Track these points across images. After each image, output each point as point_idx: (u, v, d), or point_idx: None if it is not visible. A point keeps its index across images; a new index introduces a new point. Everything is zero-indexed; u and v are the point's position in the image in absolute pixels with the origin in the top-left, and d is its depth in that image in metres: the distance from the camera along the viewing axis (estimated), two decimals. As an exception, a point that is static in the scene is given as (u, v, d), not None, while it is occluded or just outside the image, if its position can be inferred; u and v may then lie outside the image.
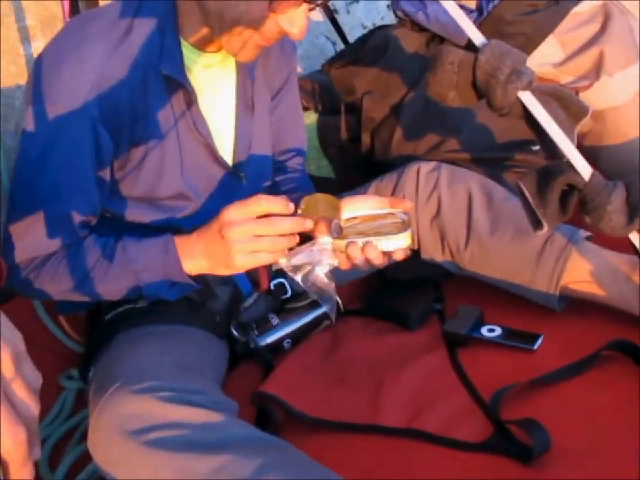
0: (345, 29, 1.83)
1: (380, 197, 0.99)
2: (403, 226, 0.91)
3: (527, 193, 0.91)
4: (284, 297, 1.19)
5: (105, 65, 0.94)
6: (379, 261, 0.91)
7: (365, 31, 2.23)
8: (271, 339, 1.13)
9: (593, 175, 0.90)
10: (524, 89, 0.85)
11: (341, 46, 1.93)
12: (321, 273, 0.87)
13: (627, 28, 1.45)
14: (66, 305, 1.10)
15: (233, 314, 1.14)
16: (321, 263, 0.87)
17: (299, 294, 1.19)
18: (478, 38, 0.84)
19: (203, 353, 1.04)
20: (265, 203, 0.86)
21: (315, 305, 1.18)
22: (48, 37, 1.45)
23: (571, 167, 0.91)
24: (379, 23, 2.29)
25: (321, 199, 0.91)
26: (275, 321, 1.14)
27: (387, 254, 0.91)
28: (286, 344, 1.15)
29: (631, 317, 1.07)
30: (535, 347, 1.09)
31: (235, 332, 1.13)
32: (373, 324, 1.25)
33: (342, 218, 0.93)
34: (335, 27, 1.79)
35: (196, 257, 0.95)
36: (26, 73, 1.44)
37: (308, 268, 0.87)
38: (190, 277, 0.97)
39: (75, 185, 0.98)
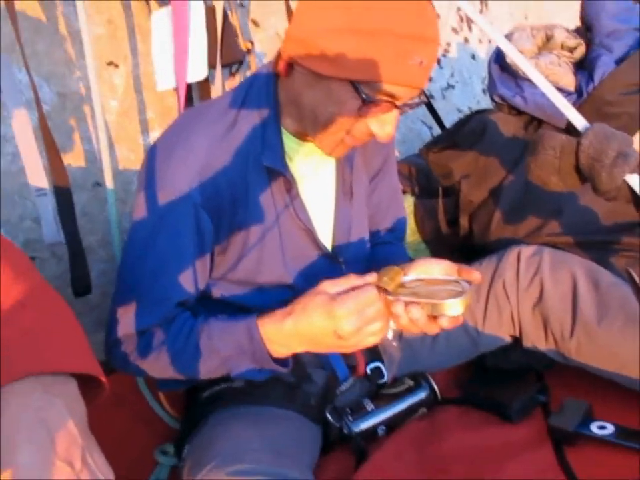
0: (441, 114, 1.86)
1: (450, 263, 0.97)
2: (457, 294, 0.89)
3: (637, 280, 0.86)
4: (380, 381, 1.16)
5: (210, 154, 0.99)
6: (423, 323, 0.89)
7: (461, 115, 2.28)
8: (365, 425, 1.11)
9: None
10: (631, 172, 0.82)
11: (437, 130, 1.96)
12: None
13: None
14: (166, 382, 1.12)
15: (328, 398, 1.13)
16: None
17: (395, 379, 1.17)
18: (580, 121, 0.83)
19: (298, 437, 1.03)
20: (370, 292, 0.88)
21: (411, 391, 1.15)
22: (164, 128, 1.56)
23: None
24: (474, 107, 2.31)
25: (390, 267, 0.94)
26: (369, 406, 1.12)
27: (433, 319, 0.89)
28: (380, 431, 1.12)
29: None
30: (654, 448, 1.00)
31: (329, 417, 1.11)
32: (471, 414, 1.19)
33: (403, 279, 0.93)
34: (431, 112, 1.83)
35: (292, 343, 0.95)
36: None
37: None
38: (281, 359, 0.97)
39: (176, 268, 1.01)
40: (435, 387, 1.17)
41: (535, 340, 1.19)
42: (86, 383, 0.69)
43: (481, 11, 2.30)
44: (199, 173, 0.98)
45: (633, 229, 1.32)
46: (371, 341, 0.90)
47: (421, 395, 1.16)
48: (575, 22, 1.57)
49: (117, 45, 1.47)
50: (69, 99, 1.43)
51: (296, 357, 1.04)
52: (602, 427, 1.06)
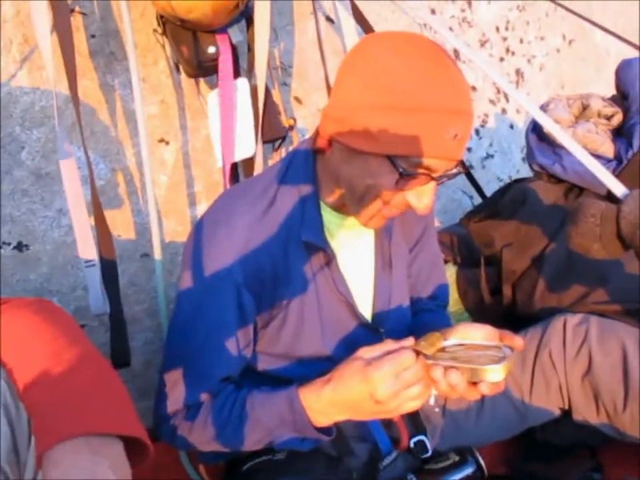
0: (481, 183, 1.88)
1: (492, 328, 0.97)
2: (498, 360, 0.87)
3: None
4: (424, 456, 1.14)
5: (251, 233, 1.01)
6: (463, 389, 0.88)
7: (501, 184, 2.29)
8: (409, 501, 1.07)
9: None
10: (675, 238, 0.81)
11: (477, 199, 1.97)
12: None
13: None
14: (207, 455, 1.12)
15: (370, 472, 1.10)
16: None
17: (439, 454, 1.14)
18: (618, 188, 0.84)
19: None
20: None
21: (457, 466, 1.12)
22: (210, 201, 1.61)
23: None
24: (514, 175, 2.33)
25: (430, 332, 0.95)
26: (414, 482, 1.09)
27: (473, 385, 0.88)
28: (425, 507, 1.08)
29: None
30: None
31: (372, 492, 1.09)
32: (521, 491, 1.14)
33: (443, 344, 0.94)
34: (472, 182, 1.84)
35: (332, 411, 0.95)
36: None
37: None
38: (323, 428, 0.97)
39: (220, 345, 1.03)
40: (482, 462, 1.13)
41: (586, 413, 1.15)
42: (132, 446, 0.71)
43: (517, 83, 2.35)
44: (241, 251, 1.00)
45: (683, 296, 1.28)
46: (411, 406, 0.90)
47: (468, 470, 1.11)
48: (611, 88, 1.59)
49: (168, 123, 1.55)
50: (122, 174, 1.51)
51: (338, 430, 1.04)
52: (662, 508, 1.00)
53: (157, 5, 1.29)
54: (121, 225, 1.43)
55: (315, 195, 1.05)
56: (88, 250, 1.23)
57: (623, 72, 1.47)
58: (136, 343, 1.54)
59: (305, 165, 1.06)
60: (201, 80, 1.56)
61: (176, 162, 1.57)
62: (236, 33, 1.38)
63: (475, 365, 0.87)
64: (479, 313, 1.55)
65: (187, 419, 1.03)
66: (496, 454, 1.22)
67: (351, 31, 1.56)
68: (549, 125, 0.97)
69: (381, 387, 0.87)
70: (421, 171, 0.93)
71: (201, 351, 1.03)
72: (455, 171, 0.98)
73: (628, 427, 1.10)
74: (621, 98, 1.49)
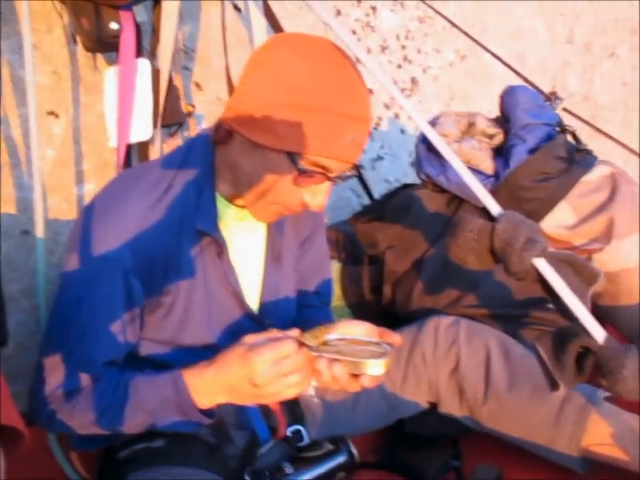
0: (370, 184, 1.96)
1: (372, 325, 1.02)
2: (379, 355, 0.94)
3: (543, 355, 0.93)
4: (300, 444, 1.18)
5: (144, 220, 1.00)
6: (345, 381, 0.94)
7: (389, 186, 2.40)
8: (283, 488, 1.11)
9: (606, 339, 0.93)
10: (538, 256, 0.91)
11: (365, 199, 2.05)
12: None
13: (633, 197, 1.54)
14: (81, 441, 1.10)
15: (247, 460, 1.13)
16: None
17: (315, 443, 1.18)
18: (494, 208, 0.92)
19: (216, 499, 1.03)
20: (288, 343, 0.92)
21: (330, 455, 1.16)
22: (99, 180, 1.57)
23: (585, 330, 0.94)
24: (402, 178, 2.44)
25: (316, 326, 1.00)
26: (289, 469, 1.12)
27: (355, 377, 0.94)
28: (299, 494, 1.12)
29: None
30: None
31: (247, 479, 1.11)
32: (388, 478, 1.22)
33: (327, 337, 0.98)
34: (361, 182, 1.92)
35: (214, 393, 0.98)
36: (75, 211, 1.56)
37: None
38: (205, 410, 0.99)
39: (104, 330, 1.01)
40: (354, 451, 1.18)
41: (451, 407, 1.25)
42: (3, 434, 0.69)
43: (412, 90, 2.46)
44: (132, 237, 0.99)
45: (541, 304, 1.42)
46: (289, 393, 0.93)
47: (340, 459, 1.17)
48: (494, 104, 1.72)
49: (60, 95, 1.48)
50: (5, 144, 1.42)
51: (218, 418, 1.05)
52: (510, 493, 1.12)
53: (58, -29, 1.23)
54: (2, 199, 1.34)
55: (212, 185, 1.06)
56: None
57: (506, 97, 1.60)
58: (9, 324, 1.45)
59: (204, 154, 1.07)
60: (99, 54, 1.50)
61: (65, 137, 1.51)
62: (141, 12, 1.35)
63: (358, 358, 0.92)
64: (359, 309, 1.62)
65: (67, 402, 1.01)
66: (367, 443, 1.29)
67: (259, 25, 1.57)
68: (435, 140, 1.03)
69: (259, 371, 0.90)
70: (318, 170, 0.97)
71: (85, 334, 1.01)
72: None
73: (485, 420, 1.21)
74: (503, 120, 1.62)
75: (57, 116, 1.48)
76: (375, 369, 0.92)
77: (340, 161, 0.98)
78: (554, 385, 0.94)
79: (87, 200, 1.54)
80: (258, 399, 0.97)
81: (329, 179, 0.98)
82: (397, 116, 2.41)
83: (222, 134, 1.03)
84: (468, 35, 1.89)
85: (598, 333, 0.93)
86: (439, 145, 1.01)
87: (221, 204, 1.08)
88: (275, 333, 0.96)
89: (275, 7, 1.69)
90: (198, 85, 1.74)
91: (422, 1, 2.23)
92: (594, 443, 1.11)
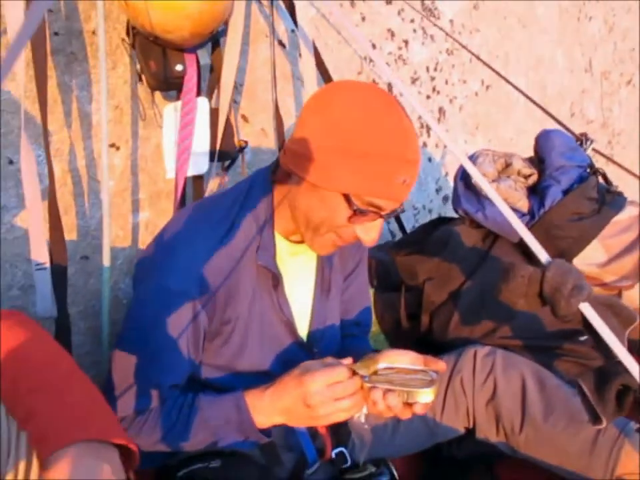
0: (400, 210, 2.03)
1: (417, 354, 1.07)
2: (429, 383, 1.00)
3: (586, 391, 1.00)
4: (343, 466, 1.24)
5: (210, 256, 1.08)
6: (399, 410, 1.01)
7: (416, 212, 2.48)
8: (327, 509, 1.17)
9: (644, 378, 1.00)
10: (584, 301, 0.99)
11: (393, 224, 2.14)
12: (356, 417, 1.04)
13: None
14: (141, 460, 1.17)
15: (295, 481, 1.20)
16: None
17: (358, 464, 1.24)
18: (543, 256, 1.00)
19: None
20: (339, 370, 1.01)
21: (373, 477, 1.22)
22: (153, 209, 1.65)
23: (625, 368, 1.01)
24: (428, 205, 2.52)
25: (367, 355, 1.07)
26: (333, 491, 1.19)
27: (407, 405, 1.01)
28: (342, 515, 1.18)
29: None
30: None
31: (295, 501, 1.17)
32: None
33: (377, 367, 1.04)
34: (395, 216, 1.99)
35: (271, 413, 1.06)
36: (130, 238, 1.64)
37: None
38: (263, 430, 1.07)
39: (171, 358, 1.09)
40: (395, 473, 1.24)
41: (487, 433, 1.31)
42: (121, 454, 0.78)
43: (439, 120, 2.55)
44: (200, 272, 1.07)
45: (572, 337, 1.50)
46: (340, 417, 1.02)
47: (383, 480, 1.23)
48: (516, 132, 1.77)
49: (121, 128, 1.56)
50: (71, 175, 1.51)
51: (269, 440, 1.12)
52: (546, 518, 1.18)
53: (135, 19, 1.31)
54: (65, 227, 1.42)
55: (271, 222, 1.14)
56: (41, 252, 1.23)
57: (542, 140, 1.68)
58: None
59: (263, 193, 1.14)
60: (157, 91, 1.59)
61: (124, 168, 1.59)
62: (204, 55, 1.44)
63: (409, 387, 0.99)
64: (395, 336, 1.69)
65: (136, 423, 1.08)
66: (407, 466, 1.36)
67: (308, 62, 1.66)
68: (482, 182, 1.10)
69: (312, 393, 0.99)
70: (372, 209, 1.04)
71: (153, 360, 1.09)
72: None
73: (522, 446, 1.27)
74: (538, 161, 1.70)
75: (117, 148, 1.57)
76: (426, 396, 0.99)
77: (391, 200, 1.05)
78: (596, 419, 1.01)
79: (142, 228, 1.63)
80: (311, 421, 1.05)
81: (381, 216, 1.06)
82: (424, 144, 2.50)
83: (280, 175, 1.11)
84: (491, 67, 1.98)
85: (637, 373, 1.00)
86: (485, 186, 1.07)
87: (278, 239, 1.16)
88: (329, 359, 1.04)
89: (317, 42, 1.79)
90: (245, 118, 1.82)
91: (449, 35, 2.34)
92: (627, 472, 1.18)
